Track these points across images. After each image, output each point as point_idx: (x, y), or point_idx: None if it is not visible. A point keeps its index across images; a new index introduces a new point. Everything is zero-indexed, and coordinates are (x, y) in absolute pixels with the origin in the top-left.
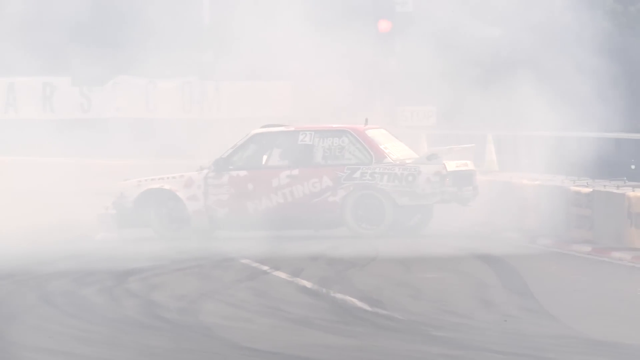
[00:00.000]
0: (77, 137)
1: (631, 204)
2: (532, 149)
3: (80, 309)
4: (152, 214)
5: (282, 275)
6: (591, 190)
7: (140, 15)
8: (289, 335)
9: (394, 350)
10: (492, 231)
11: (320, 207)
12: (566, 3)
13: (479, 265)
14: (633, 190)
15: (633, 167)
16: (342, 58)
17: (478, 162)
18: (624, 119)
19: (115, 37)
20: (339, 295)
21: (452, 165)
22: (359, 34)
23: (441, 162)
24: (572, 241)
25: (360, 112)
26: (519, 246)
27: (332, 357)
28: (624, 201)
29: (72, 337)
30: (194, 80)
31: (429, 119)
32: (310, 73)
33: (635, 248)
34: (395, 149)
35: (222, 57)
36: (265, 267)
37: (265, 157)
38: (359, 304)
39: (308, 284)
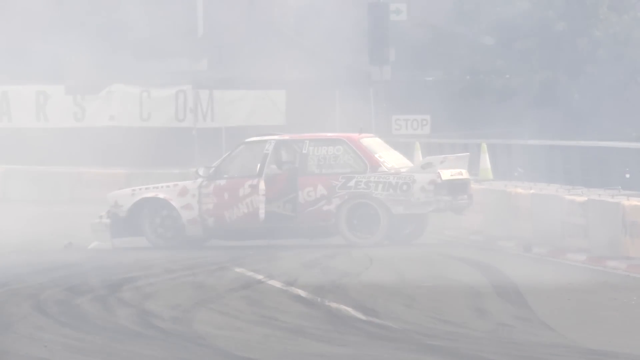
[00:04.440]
0: (70, 145)
1: (626, 213)
2: (527, 158)
3: (74, 318)
4: (146, 223)
5: (276, 284)
6: (586, 199)
7: (135, 24)
8: (283, 344)
9: (388, 359)
10: (487, 240)
11: (315, 216)
12: (560, 11)
13: (474, 274)
14: (628, 199)
15: (628, 176)
16: (336, 65)
17: (473, 171)
18: (618, 127)
19: (109, 45)
20: (333, 304)
21: (446, 174)
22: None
23: (436, 171)
24: (566, 250)
25: (354, 120)
26: (514, 255)
27: None
28: (619, 210)
29: (66, 346)
30: (188, 88)
31: (423, 128)
32: (304, 81)
33: (629, 257)
34: (390, 158)
35: (216, 66)
36: (259, 276)
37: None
38: (353, 313)
39: (302, 293)
